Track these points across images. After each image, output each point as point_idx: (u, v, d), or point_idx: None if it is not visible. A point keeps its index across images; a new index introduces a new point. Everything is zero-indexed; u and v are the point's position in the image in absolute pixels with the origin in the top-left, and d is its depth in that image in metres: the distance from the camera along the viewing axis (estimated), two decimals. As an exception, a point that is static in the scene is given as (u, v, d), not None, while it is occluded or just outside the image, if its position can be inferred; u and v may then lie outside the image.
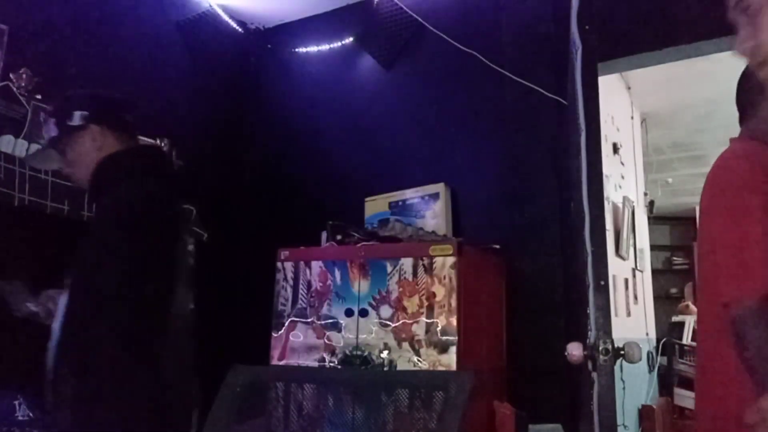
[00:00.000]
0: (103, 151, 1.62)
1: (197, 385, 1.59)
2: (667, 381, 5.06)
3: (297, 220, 3.47)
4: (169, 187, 1.66)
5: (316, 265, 2.73)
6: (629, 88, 4.63)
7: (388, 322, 2.52)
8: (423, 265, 2.50)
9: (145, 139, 2.96)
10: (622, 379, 3.26)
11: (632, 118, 4.84)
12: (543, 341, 2.71)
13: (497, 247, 2.89)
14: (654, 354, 4.89)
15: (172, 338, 1.49)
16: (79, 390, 1.38)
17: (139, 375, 1.40)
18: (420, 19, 3.37)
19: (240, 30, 3.87)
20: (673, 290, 7.84)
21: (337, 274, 2.67)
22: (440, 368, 2.38)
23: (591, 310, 1.77)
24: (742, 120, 1.37)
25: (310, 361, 2.63)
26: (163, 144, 2.94)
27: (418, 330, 2.46)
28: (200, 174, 3.28)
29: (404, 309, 2.50)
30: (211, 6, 3.66)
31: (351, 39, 3.65)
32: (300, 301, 2.74)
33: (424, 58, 3.44)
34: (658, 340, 5.05)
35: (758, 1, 0.98)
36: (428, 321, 2.45)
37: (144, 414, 1.39)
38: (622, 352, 1.71)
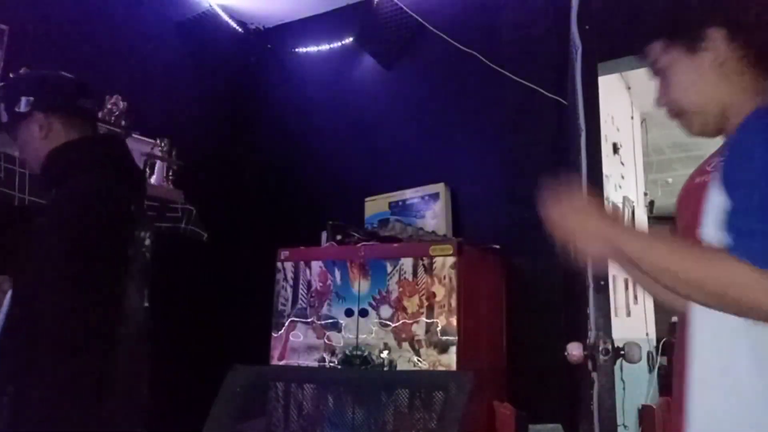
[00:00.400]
0: (51, 140, 1.51)
1: (146, 393, 1.51)
2: (667, 381, 5.04)
3: (297, 220, 3.48)
4: (124, 181, 1.55)
5: (316, 265, 2.73)
6: (629, 88, 4.62)
7: (388, 322, 2.52)
8: (423, 265, 2.50)
9: (136, 138, 2.96)
10: (622, 379, 3.25)
11: (632, 118, 4.83)
12: (543, 341, 2.71)
13: (497, 247, 2.89)
14: (654, 354, 4.88)
15: (122, 343, 1.41)
16: (16, 401, 1.28)
17: (84, 387, 1.31)
18: (420, 19, 3.37)
19: (240, 30, 3.87)
20: (673, 290, 7.83)
21: (337, 274, 2.67)
22: (440, 368, 2.38)
23: (591, 310, 1.77)
24: None
25: (310, 361, 2.63)
26: (162, 144, 2.94)
27: (418, 330, 2.46)
28: (200, 174, 3.28)
29: (404, 309, 2.50)
30: (211, 6, 3.66)
31: (351, 39, 3.65)
32: (300, 301, 2.74)
33: (424, 58, 3.44)
34: (658, 340, 5.04)
35: (665, 63, 1.11)
36: (428, 321, 2.45)
37: (88, 428, 1.30)
38: (622, 352, 1.71)
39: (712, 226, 0.94)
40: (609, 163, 3.88)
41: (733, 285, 0.85)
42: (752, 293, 0.83)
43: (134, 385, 1.48)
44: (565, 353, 1.74)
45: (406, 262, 2.53)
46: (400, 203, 3.18)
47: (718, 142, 1.18)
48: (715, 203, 0.94)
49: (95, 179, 1.47)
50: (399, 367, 2.45)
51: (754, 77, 1.02)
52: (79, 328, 1.32)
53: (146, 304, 1.54)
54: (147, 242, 1.55)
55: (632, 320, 4.26)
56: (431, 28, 3.32)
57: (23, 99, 1.50)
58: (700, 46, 1.04)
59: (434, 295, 2.45)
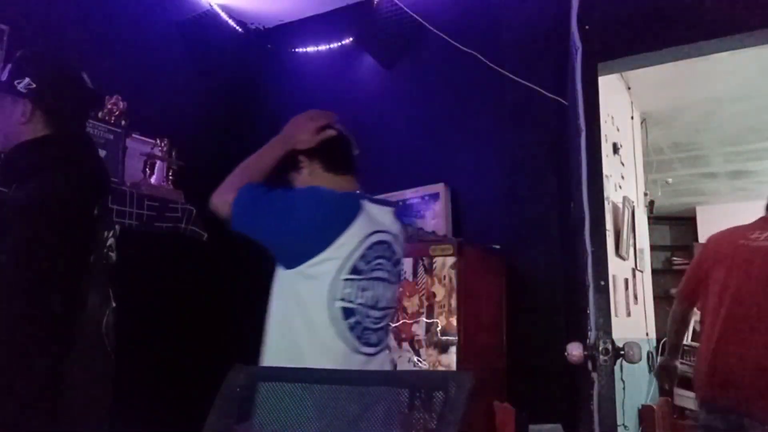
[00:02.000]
0: (26, 129, 1.48)
1: (109, 393, 1.48)
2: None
3: (297, 220, 3.47)
4: (88, 182, 1.52)
5: (316, 265, 2.73)
6: (629, 88, 4.63)
7: (388, 322, 2.52)
8: (423, 265, 2.50)
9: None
10: (622, 379, 3.25)
11: (632, 118, 4.84)
12: (543, 341, 2.71)
13: (497, 247, 2.89)
14: (654, 354, 4.89)
15: (79, 343, 1.38)
16: None
17: (37, 389, 1.27)
18: (420, 19, 3.37)
19: (240, 30, 3.87)
20: (673, 290, 7.77)
21: (337, 274, 2.67)
22: (440, 368, 2.38)
23: (591, 311, 1.77)
24: None
25: (310, 361, 2.63)
26: (163, 144, 2.94)
27: (418, 330, 2.46)
28: (200, 174, 3.28)
29: (404, 309, 2.50)
30: (211, 6, 3.66)
31: (351, 39, 3.65)
32: (300, 301, 2.74)
33: (424, 58, 3.44)
34: (658, 340, 5.05)
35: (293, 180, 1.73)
36: (428, 321, 2.45)
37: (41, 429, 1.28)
38: (622, 352, 1.71)
39: None
40: (609, 163, 3.88)
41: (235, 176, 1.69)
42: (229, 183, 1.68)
43: (94, 385, 1.45)
44: (565, 353, 1.74)
45: (406, 262, 2.53)
46: (400, 203, 3.18)
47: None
48: None
49: (58, 180, 1.43)
50: (399, 367, 2.44)
51: (330, 175, 1.71)
52: (35, 329, 1.29)
53: (113, 304, 1.51)
54: (110, 242, 1.53)
55: (632, 320, 4.26)
56: (431, 28, 3.32)
57: (26, 79, 1.48)
58: (299, 167, 1.70)
59: (434, 295, 2.45)
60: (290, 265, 1.54)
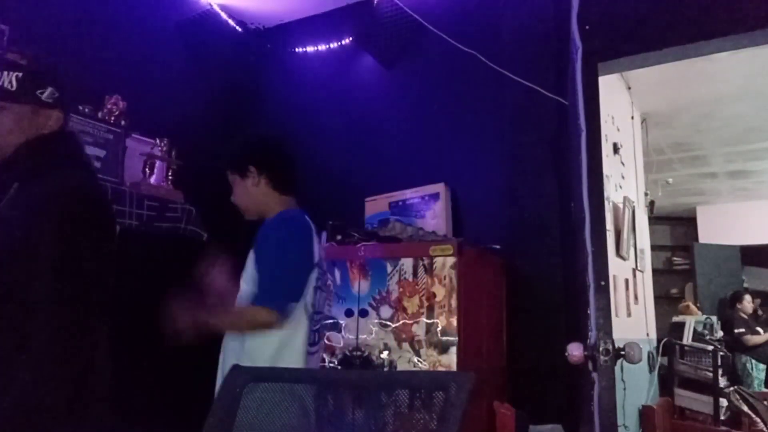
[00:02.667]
0: (39, 131, 1.42)
1: (108, 394, 1.47)
2: (667, 381, 5.05)
3: (297, 220, 3.47)
4: (96, 178, 1.50)
5: (316, 265, 2.73)
6: (629, 88, 4.63)
7: (388, 323, 2.52)
8: (423, 265, 2.50)
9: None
10: (622, 380, 3.25)
11: (632, 118, 4.83)
12: (543, 341, 2.71)
13: (497, 247, 2.89)
14: (654, 354, 4.88)
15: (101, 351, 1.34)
16: None
17: (62, 395, 1.23)
18: (420, 19, 3.37)
19: (240, 30, 3.87)
20: (674, 290, 7.83)
21: (337, 274, 2.67)
22: (440, 368, 2.38)
23: (591, 311, 1.77)
24: None
25: (310, 362, 2.63)
26: (162, 144, 2.94)
27: (418, 330, 2.46)
28: (200, 174, 3.28)
29: (404, 309, 2.50)
30: (211, 6, 3.66)
31: (351, 39, 3.65)
32: (300, 301, 2.74)
33: (424, 58, 3.44)
34: (658, 341, 5.04)
35: (232, 181, 1.92)
36: (428, 321, 2.45)
37: None
38: (622, 353, 1.71)
39: (250, 283, 1.80)
40: (609, 163, 3.88)
41: (249, 319, 1.77)
42: (259, 318, 1.73)
43: (101, 387, 1.41)
44: (566, 353, 1.74)
45: (406, 262, 2.53)
46: (400, 203, 3.18)
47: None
48: (251, 271, 1.81)
49: (80, 174, 1.40)
50: (399, 368, 2.44)
51: (276, 193, 1.88)
52: (64, 345, 1.24)
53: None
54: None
55: (632, 320, 4.26)
56: (431, 28, 3.32)
57: (49, 89, 1.43)
58: (246, 174, 1.88)
59: (434, 295, 2.45)
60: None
